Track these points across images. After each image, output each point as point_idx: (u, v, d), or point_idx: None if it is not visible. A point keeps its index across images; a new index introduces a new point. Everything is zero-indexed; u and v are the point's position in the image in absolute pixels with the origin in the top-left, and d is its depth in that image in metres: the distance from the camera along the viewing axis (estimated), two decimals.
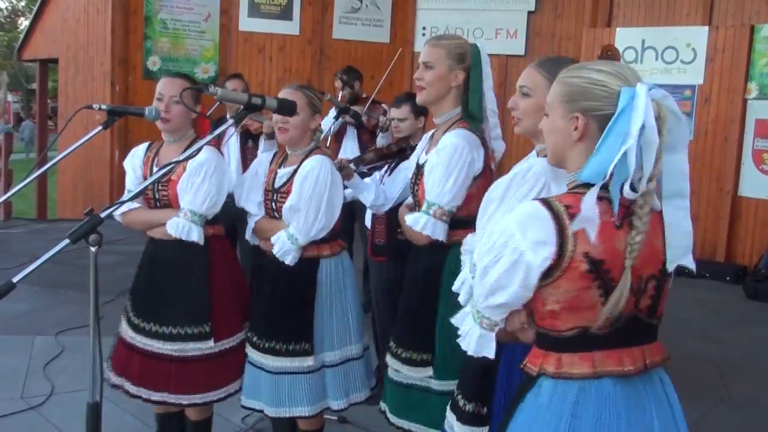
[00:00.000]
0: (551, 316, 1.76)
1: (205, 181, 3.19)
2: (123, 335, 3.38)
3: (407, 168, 3.66)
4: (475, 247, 2.29)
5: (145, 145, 3.48)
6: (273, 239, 3.19)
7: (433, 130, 3.15)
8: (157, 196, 3.30)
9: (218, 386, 3.37)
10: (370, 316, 4.62)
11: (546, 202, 1.74)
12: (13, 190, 2.61)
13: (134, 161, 3.42)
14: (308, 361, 3.23)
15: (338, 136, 6.30)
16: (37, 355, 5.05)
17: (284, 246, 3.15)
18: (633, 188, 1.74)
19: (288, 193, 3.21)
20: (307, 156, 3.26)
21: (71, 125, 9.37)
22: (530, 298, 1.77)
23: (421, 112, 4.37)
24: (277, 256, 3.16)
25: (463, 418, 2.47)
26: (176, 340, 3.26)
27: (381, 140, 5.70)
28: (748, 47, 8.35)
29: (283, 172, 3.29)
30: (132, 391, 3.34)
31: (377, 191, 3.55)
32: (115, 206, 2.18)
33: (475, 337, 1.90)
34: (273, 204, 3.29)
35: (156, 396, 3.32)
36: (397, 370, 2.98)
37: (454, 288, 2.13)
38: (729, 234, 8.57)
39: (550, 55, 2.69)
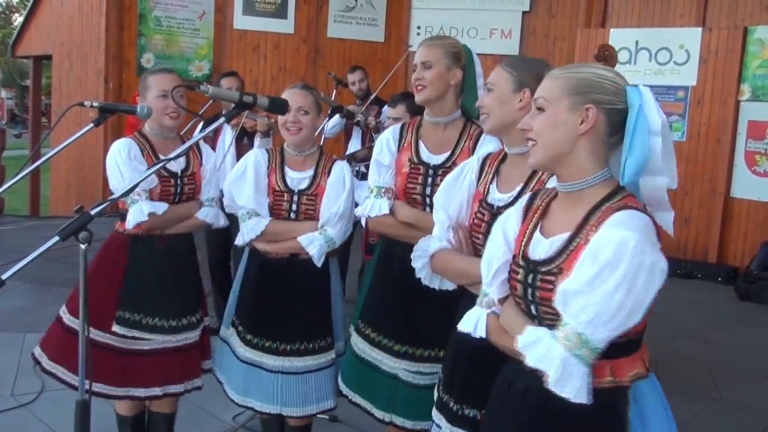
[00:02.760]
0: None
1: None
2: (97, 338, 3.24)
3: None
4: (422, 251, 2.57)
5: (125, 143, 3.28)
6: (304, 241, 3.18)
7: (415, 122, 3.12)
8: (181, 191, 3.33)
9: (200, 371, 3.52)
10: None
11: (645, 210, 1.79)
12: (5, 186, 2.60)
13: (134, 158, 3.24)
14: (332, 354, 3.30)
15: (345, 136, 6.35)
16: (28, 353, 4.85)
17: (322, 249, 3.18)
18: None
19: (316, 196, 3.22)
20: (320, 159, 3.30)
21: (65, 122, 9.36)
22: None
23: (416, 111, 4.37)
24: (316, 258, 3.17)
25: (465, 423, 2.45)
26: (178, 332, 3.36)
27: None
28: (741, 49, 8.37)
29: (303, 175, 3.26)
30: (119, 393, 3.32)
31: None
32: (106, 203, 2.16)
33: (472, 315, 2.04)
34: (293, 206, 3.24)
35: (151, 391, 3.34)
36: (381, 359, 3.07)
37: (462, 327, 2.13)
38: (721, 235, 8.59)
39: (521, 56, 2.77)
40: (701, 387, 5.14)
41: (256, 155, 3.31)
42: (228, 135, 5.32)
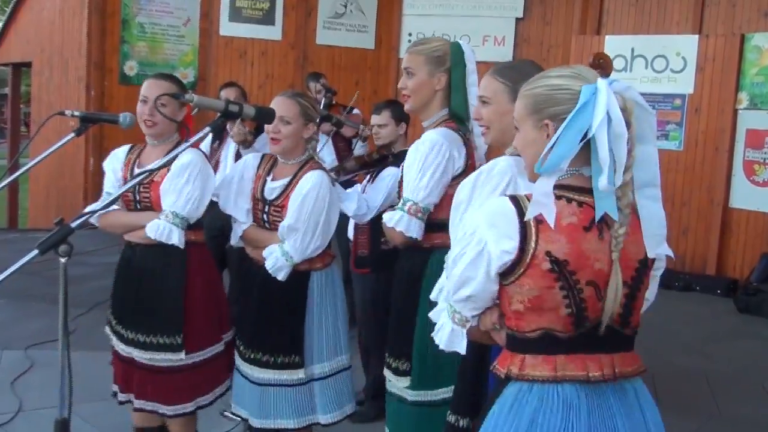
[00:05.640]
0: (516, 317, 1.81)
1: (189, 182, 3.14)
2: (112, 344, 3.34)
3: (389, 176, 3.81)
4: None
5: (126, 147, 3.41)
6: (266, 253, 3.16)
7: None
8: (137, 198, 3.22)
9: (192, 398, 3.30)
10: (355, 329, 4.57)
11: (514, 198, 1.82)
12: None
13: (114, 163, 3.36)
14: (299, 374, 3.21)
15: None
16: (5, 370, 4.92)
17: (278, 262, 3.13)
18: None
19: (282, 207, 3.17)
20: (301, 168, 3.21)
21: (45, 131, 9.11)
22: (498, 295, 1.84)
23: (401, 118, 4.39)
24: (269, 271, 3.13)
25: None
26: (148, 349, 3.20)
27: (359, 149, 5.61)
28: (738, 56, 8.32)
29: (277, 184, 3.22)
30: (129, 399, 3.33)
31: (359, 201, 3.61)
32: (87, 215, 2.14)
33: (447, 332, 1.95)
34: (264, 215, 3.24)
35: (137, 403, 3.28)
36: (389, 379, 2.98)
37: (432, 296, 2.17)
38: (720, 246, 8.51)
39: (508, 61, 2.73)
40: (700, 402, 5.10)
41: (248, 160, 3.35)
42: (231, 147, 5.23)
